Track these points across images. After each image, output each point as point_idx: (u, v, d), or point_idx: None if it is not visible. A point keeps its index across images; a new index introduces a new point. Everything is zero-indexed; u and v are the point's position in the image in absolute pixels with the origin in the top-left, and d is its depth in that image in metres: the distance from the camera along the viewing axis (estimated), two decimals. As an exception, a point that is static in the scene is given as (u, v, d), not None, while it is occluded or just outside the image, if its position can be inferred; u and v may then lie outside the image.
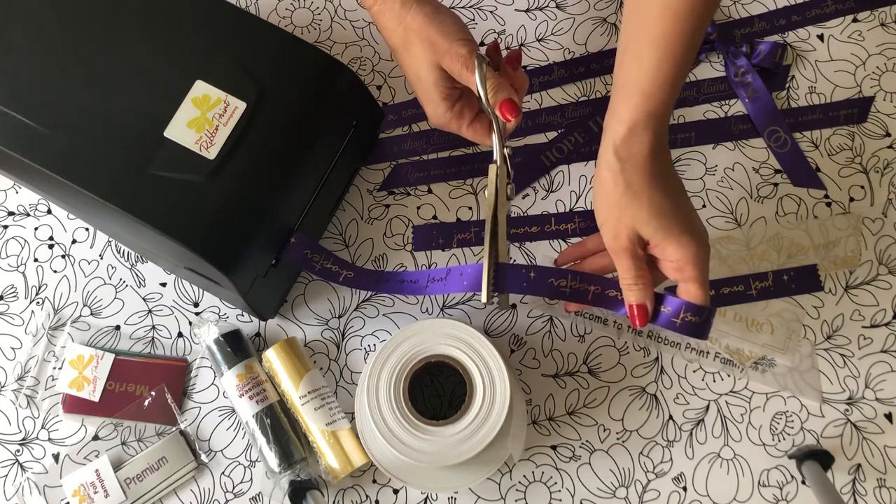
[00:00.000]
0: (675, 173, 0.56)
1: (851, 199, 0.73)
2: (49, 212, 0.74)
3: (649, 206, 0.53)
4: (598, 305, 0.59)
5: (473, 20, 0.78)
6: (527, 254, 0.72)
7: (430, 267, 0.72)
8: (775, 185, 0.73)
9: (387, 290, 0.67)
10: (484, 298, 0.58)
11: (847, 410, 0.68)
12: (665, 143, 0.54)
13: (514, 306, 0.71)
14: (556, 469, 0.67)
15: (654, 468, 0.67)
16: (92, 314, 0.71)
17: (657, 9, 0.51)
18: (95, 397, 0.68)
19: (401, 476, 0.62)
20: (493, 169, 0.60)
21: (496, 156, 0.60)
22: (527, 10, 0.79)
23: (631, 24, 0.54)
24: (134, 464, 0.66)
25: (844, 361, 0.69)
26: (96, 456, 0.67)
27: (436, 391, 0.68)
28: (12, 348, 0.71)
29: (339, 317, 0.71)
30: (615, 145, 0.54)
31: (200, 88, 0.60)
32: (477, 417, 0.59)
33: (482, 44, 0.78)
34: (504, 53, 0.62)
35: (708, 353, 0.69)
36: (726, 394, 0.68)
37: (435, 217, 0.73)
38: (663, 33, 0.51)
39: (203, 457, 0.68)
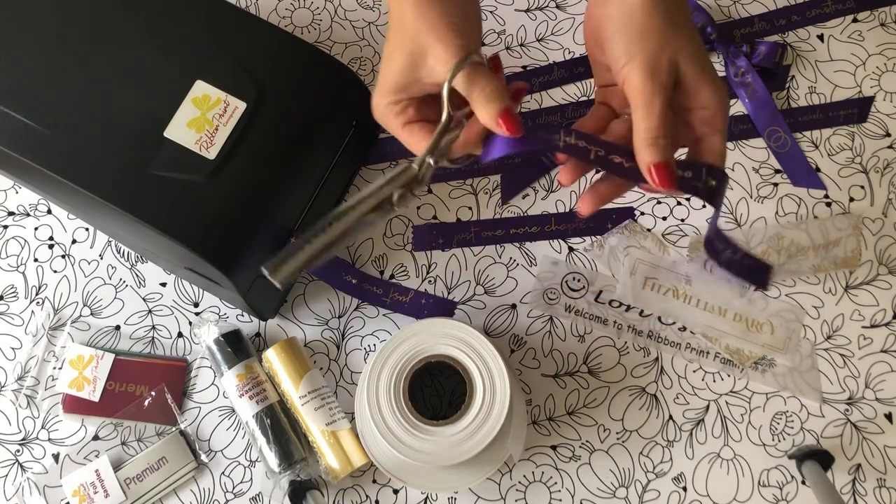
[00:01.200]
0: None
1: (851, 199, 0.73)
2: (49, 212, 0.74)
3: (691, 38, 0.46)
4: (601, 168, 0.48)
5: (473, 20, 0.78)
6: (526, 254, 0.72)
7: (429, 268, 0.72)
8: (775, 185, 0.73)
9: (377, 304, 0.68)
10: (265, 272, 0.45)
11: (847, 410, 0.68)
12: None
13: (513, 306, 0.71)
14: (556, 469, 0.67)
15: (654, 468, 0.67)
16: (92, 314, 0.71)
17: None
18: (95, 397, 0.68)
19: (401, 476, 0.62)
20: (406, 167, 0.50)
21: (419, 157, 0.50)
22: (527, 10, 0.79)
23: None
24: (134, 464, 0.66)
25: (844, 361, 0.69)
26: (96, 456, 0.67)
27: (436, 391, 0.68)
28: (12, 348, 0.71)
29: (339, 317, 0.71)
30: None
31: (200, 88, 0.60)
32: (477, 417, 0.59)
33: (482, 44, 0.78)
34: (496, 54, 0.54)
35: (708, 353, 0.69)
36: (726, 394, 0.68)
37: (435, 217, 0.73)
38: None
39: (203, 457, 0.68)
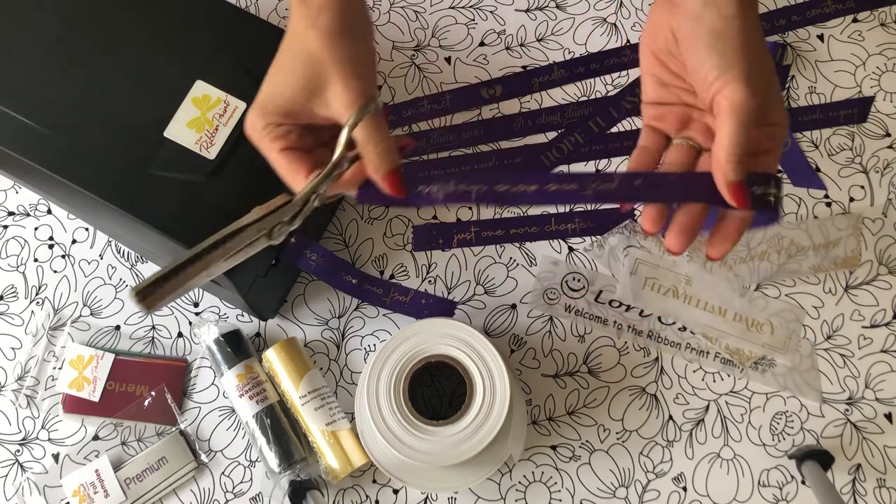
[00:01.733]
0: None
1: (851, 199, 0.73)
2: (49, 212, 0.74)
3: (770, 58, 0.47)
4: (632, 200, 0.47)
5: (474, 20, 0.78)
6: (526, 254, 0.72)
7: (429, 268, 0.72)
8: (775, 185, 0.73)
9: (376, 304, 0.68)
10: (133, 299, 0.44)
11: (847, 410, 0.68)
12: None
13: (513, 306, 0.71)
14: (556, 469, 0.67)
15: (654, 468, 0.67)
16: (92, 314, 0.71)
17: None
18: (95, 397, 0.68)
19: (401, 476, 0.62)
20: (286, 201, 0.49)
21: (303, 193, 0.49)
22: (527, 10, 0.79)
23: None
24: (134, 464, 0.66)
25: (844, 361, 0.69)
26: (96, 456, 0.67)
27: (436, 391, 0.68)
28: (12, 348, 0.71)
29: (339, 317, 0.71)
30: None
31: (200, 88, 0.60)
32: (477, 417, 0.59)
33: (482, 43, 0.78)
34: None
35: (708, 353, 0.69)
36: (726, 394, 0.68)
37: (435, 217, 0.73)
38: None
39: (203, 457, 0.68)
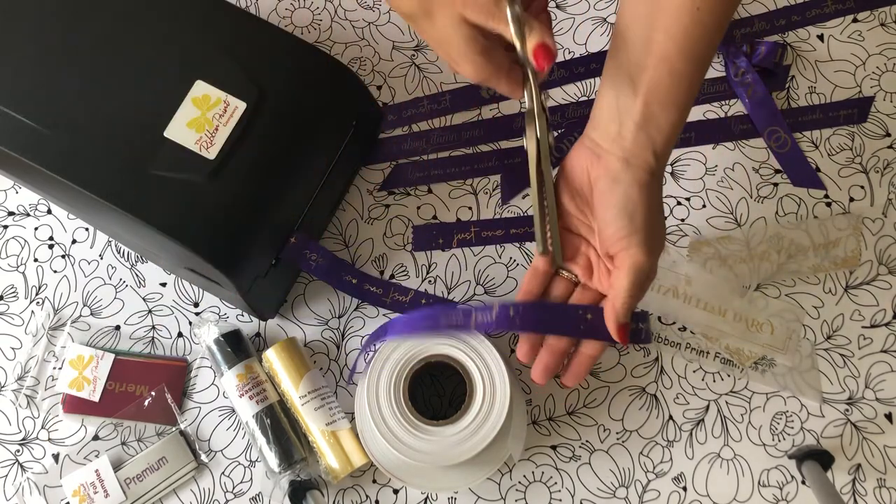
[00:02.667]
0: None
1: (851, 199, 0.73)
2: (49, 212, 0.74)
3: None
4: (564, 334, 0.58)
5: (473, 20, 0.78)
6: (526, 254, 0.72)
7: (429, 268, 0.72)
8: (775, 185, 0.73)
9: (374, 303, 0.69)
10: (539, 248, 0.56)
11: (847, 410, 0.68)
12: None
13: (514, 306, 0.71)
14: (556, 469, 0.67)
15: (654, 468, 0.67)
16: (92, 314, 0.71)
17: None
18: (95, 397, 0.68)
19: (401, 476, 0.62)
20: (529, 120, 0.55)
21: (534, 104, 0.54)
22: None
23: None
24: (134, 464, 0.66)
25: (844, 361, 0.69)
26: (96, 456, 0.67)
27: (436, 391, 0.68)
28: (12, 348, 0.71)
29: (339, 317, 0.71)
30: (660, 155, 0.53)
31: (200, 88, 0.60)
32: (477, 417, 0.59)
33: None
34: None
35: (708, 353, 0.69)
36: (726, 394, 0.68)
37: (435, 217, 0.73)
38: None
39: (203, 457, 0.68)
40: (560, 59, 0.77)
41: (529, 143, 0.56)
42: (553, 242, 0.57)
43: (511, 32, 0.51)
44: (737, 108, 0.75)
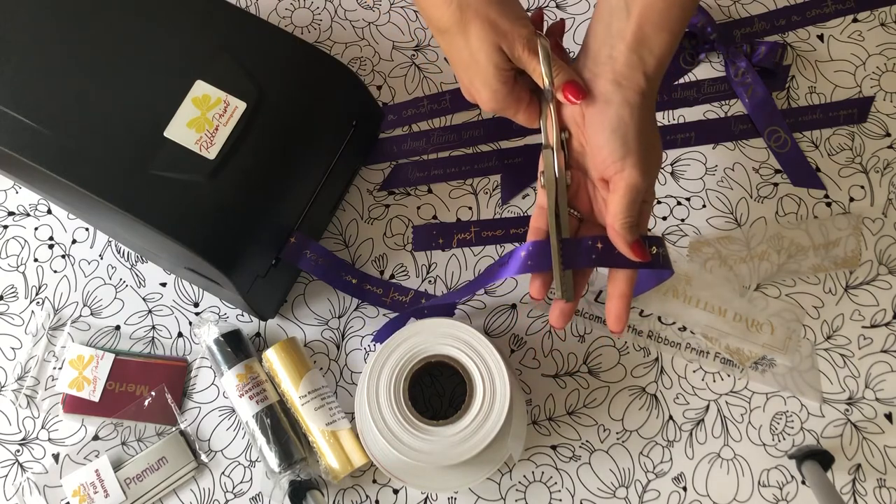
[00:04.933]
0: None
1: (851, 199, 0.73)
2: (49, 212, 0.74)
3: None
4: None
5: (473, 20, 0.78)
6: (527, 254, 0.72)
7: (429, 268, 0.72)
8: (775, 185, 0.73)
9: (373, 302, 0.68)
10: (559, 293, 0.55)
11: (847, 410, 0.68)
12: None
13: (513, 306, 0.71)
14: (556, 469, 0.67)
15: (654, 468, 0.67)
16: (92, 314, 0.71)
17: None
18: (95, 397, 0.68)
19: (401, 476, 0.62)
20: (547, 155, 0.56)
21: (552, 141, 0.56)
22: (527, 10, 0.79)
23: None
24: (134, 464, 0.66)
25: (844, 361, 0.69)
26: (96, 456, 0.68)
27: (436, 391, 0.68)
28: (12, 348, 0.71)
29: (339, 317, 0.71)
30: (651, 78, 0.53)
31: (200, 88, 0.60)
32: (477, 417, 0.59)
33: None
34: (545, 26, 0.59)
35: (708, 353, 0.69)
36: (726, 394, 0.68)
37: (435, 217, 0.73)
38: None
39: (203, 457, 0.68)
40: (560, 59, 0.77)
41: (548, 185, 0.56)
42: (566, 285, 0.56)
43: (542, 70, 0.53)
44: (737, 108, 0.75)
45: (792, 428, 0.68)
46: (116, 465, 0.66)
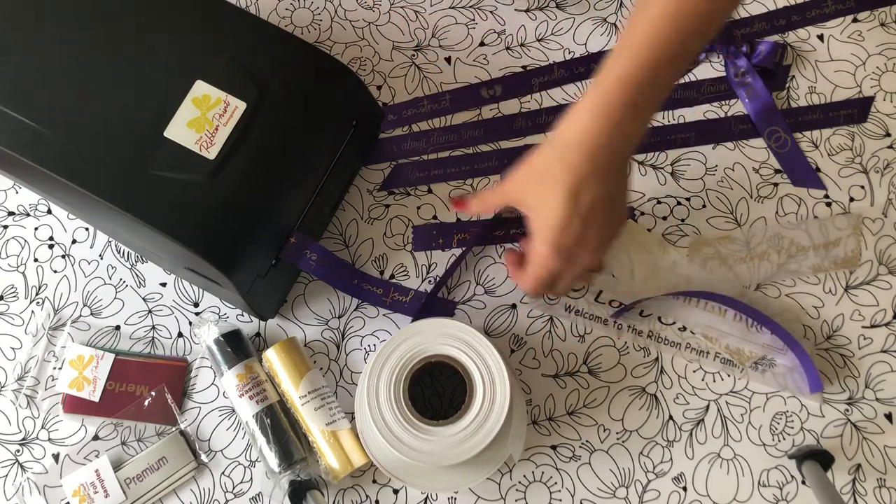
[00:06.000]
0: None
1: (851, 199, 0.73)
2: (49, 212, 0.74)
3: None
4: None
5: (474, 20, 0.78)
6: (527, 254, 0.72)
7: (429, 268, 0.72)
8: (775, 185, 0.73)
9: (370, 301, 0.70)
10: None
11: (847, 410, 0.68)
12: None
13: (513, 306, 0.71)
14: (556, 469, 0.67)
15: (654, 468, 0.67)
16: (92, 314, 0.71)
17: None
18: (95, 397, 0.68)
19: (401, 476, 0.62)
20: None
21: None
22: (527, 10, 0.79)
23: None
24: (134, 464, 0.66)
25: (844, 361, 0.69)
26: (96, 456, 0.67)
27: (436, 391, 0.68)
28: (12, 348, 0.71)
29: (339, 317, 0.71)
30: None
31: (200, 88, 0.60)
32: (477, 417, 0.59)
33: (482, 43, 0.78)
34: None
35: (708, 353, 0.69)
36: (726, 394, 0.68)
37: (435, 217, 0.73)
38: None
39: (203, 457, 0.68)
40: (560, 58, 0.77)
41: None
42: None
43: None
44: (737, 108, 0.75)
45: (792, 428, 0.68)
46: (116, 465, 0.66)
